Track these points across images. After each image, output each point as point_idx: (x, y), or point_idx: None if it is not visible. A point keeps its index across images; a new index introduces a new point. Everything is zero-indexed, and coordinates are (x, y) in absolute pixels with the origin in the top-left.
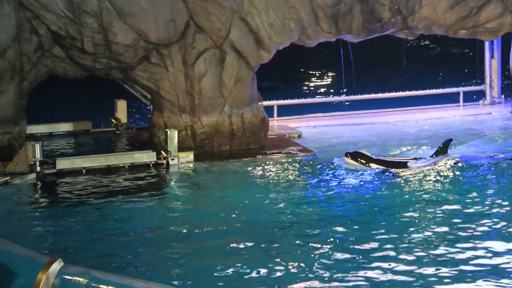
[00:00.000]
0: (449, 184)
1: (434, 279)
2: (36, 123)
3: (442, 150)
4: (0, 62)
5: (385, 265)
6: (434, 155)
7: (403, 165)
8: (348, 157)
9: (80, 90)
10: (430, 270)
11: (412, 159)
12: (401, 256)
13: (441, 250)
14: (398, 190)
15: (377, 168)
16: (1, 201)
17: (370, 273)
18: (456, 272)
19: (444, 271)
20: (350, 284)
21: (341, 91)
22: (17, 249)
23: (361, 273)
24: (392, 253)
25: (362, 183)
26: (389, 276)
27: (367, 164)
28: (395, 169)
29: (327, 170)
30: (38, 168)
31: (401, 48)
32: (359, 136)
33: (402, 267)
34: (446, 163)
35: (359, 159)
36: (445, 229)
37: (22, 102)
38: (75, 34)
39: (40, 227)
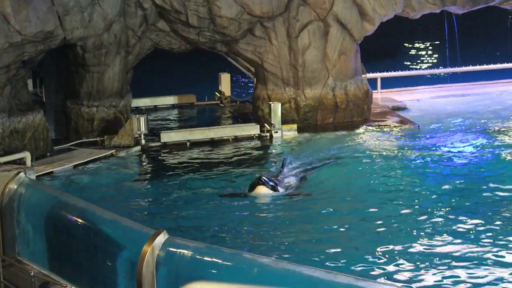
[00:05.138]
0: None
1: None
2: (141, 96)
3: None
4: (106, 36)
5: None
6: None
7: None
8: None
9: (184, 64)
10: None
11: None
12: None
13: None
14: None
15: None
16: (106, 174)
17: None
18: None
19: None
20: None
21: (444, 63)
22: (123, 222)
23: None
24: None
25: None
26: None
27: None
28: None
29: (433, 141)
30: (143, 141)
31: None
32: (461, 107)
33: None
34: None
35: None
36: None
37: (127, 75)
38: (179, 8)
39: (144, 200)
